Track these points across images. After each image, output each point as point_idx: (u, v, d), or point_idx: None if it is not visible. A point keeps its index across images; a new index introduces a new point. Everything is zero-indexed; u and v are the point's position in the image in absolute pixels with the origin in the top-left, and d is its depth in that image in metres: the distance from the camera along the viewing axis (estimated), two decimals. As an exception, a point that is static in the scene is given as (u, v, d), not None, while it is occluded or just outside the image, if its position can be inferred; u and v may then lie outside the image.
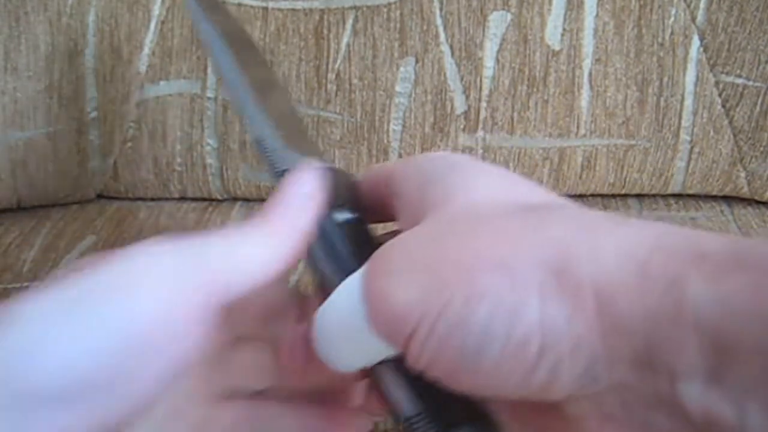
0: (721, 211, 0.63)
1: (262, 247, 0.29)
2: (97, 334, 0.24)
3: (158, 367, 0.25)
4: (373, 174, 0.34)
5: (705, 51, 0.59)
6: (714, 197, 0.64)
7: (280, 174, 0.33)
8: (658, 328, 0.22)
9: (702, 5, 0.59)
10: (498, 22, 0.59)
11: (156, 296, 0.25)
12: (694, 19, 0.59)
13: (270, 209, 0.30)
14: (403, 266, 0.26)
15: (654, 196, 0.64)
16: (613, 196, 0.64)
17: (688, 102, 0.60)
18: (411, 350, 0.25)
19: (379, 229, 0.34)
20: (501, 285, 0.24)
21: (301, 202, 0.31)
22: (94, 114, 0.61)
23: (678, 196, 0.64)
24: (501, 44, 0.59)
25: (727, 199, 0.64)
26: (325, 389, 0.33)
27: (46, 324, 0.23)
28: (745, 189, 0.63)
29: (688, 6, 0.59)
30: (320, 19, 0.59)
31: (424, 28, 0.59)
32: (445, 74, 0.60)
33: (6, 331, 0.23)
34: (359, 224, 0.33)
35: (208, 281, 0.27)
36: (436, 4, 0.59)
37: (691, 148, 0.61)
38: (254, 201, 0.64)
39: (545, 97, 0.60)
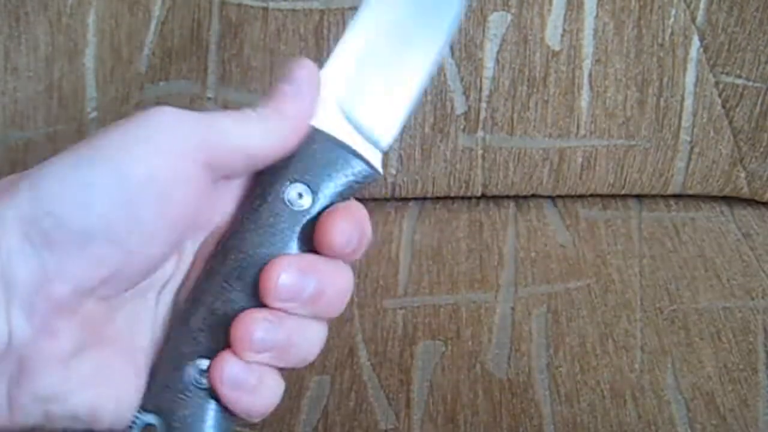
0: (721, 211, 0.63)
1: (266, 124, 0.31)
2: (112, 180, 0.27)
3: (166, 214, 0.29)
4: None
5: (705, 51, 0.59)
6: (714, 197, 0.64)
7: None
8: None
9: (702, 5, 0.59)
10: (498, 22, 0.59)
11: (164, 149, 0.28)
12: (694, 20, 0.59)
13: (277, 91, 0.32)
14: None
15: (654, 196, 0.64)
16: (613, 196, 0.64)
17: (688, 102, 0.60)
18: None
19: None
20: None
21: (305, 88, 0.33)
22: (94, 114, 0.61)
23: (678, 196, 0.64)
24: (501, 45, 0.59)
25: (727, 199, 0.64)
26: None
27: (67, 172, 0.27)
28: (745, 189, 0.63)
29: (688, 6, 0.59)
30: (320, 19, 0.59)
31: (424, 28, 0.59)
32: (445, 74, 0.60)
33: (35, 180, 0.27)
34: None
35: (211, 143, 0.29)
36: (436, 4, 0.59)
37: (691, 148, 0.61)
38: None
39: (545, 98, 0.60)
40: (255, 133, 0.31)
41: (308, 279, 0.30)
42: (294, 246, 0.32)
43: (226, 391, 0.30)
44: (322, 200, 0.32)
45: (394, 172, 0.62)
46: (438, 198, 0.65)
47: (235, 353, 0.30)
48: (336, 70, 0.35)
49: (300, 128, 0.32)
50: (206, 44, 0.60)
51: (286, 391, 0.48)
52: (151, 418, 0.30)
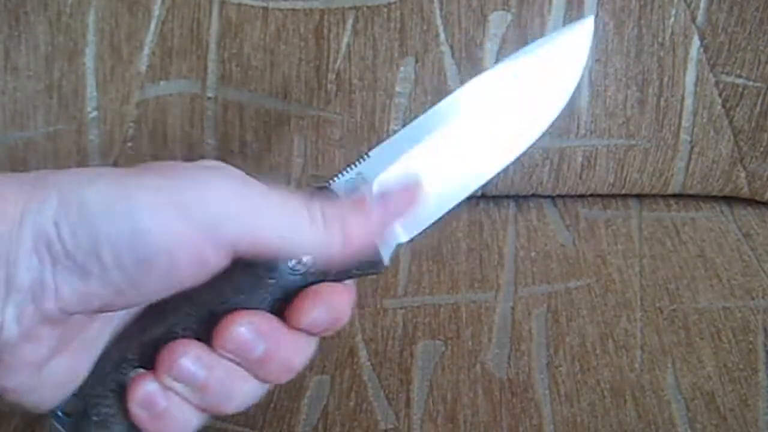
0: (721, 211, 0.63)
1: (318, 235, 0.30)
2: (130, 234, 0.27)
3: (169, 283, 0.29)
4: None
5: (705, 51, 0.59)
6: (714, 197, 0.64)
7: None
8: None
9: (702, 5, 0.59)
10: (498, 22, 0.59)
11: (197, 231, 0.28)
12: (694, 19, 0.59)
13: (359, 199, 0.33)
14: None
15: (654, 196, 0.64)
16: (613, 196, 0.64)
17: (688, 102, 0.60)
18: None
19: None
20: None
21: (390, 213, 0.33)
22: (94, 114, 0.61)
23: (678, 196, 0.64)
24: (501, 44, 0.59)
25: (727, 199, 0.64)
26: None
27: (97, 204, 0.27)
28: (745, 189, 0.63)
29: (688, 6, 0.59)
30: (320, 19, 0.59)
31: (424, 28, 0.59)
32: (445, 74, 0.60)
33: (66, 194, 0.27)
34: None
35: (249, 239, 0.29)
36: (436, 4, 0.59)
37: (691, 148, 0.61)
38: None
39: (545, 97, 0.60)
40: (303, 241, 0.30)
41: (261, 342, 0.30)
42: (267, 303, 0.32)
43: (133, 407, 0.30)
44: (317, 276, 0.32)
45: (394, 171, 0.62)
46: (438, 198, 0.65)
47: (156, 374, 0.30)
48: (388, 156, 0.35)
49: (353, 251, 0.32)
50: (206, 44, 0.60)
51: (286, 391, 0.48)
52: (75, 406, 0.31)
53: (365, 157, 0.35)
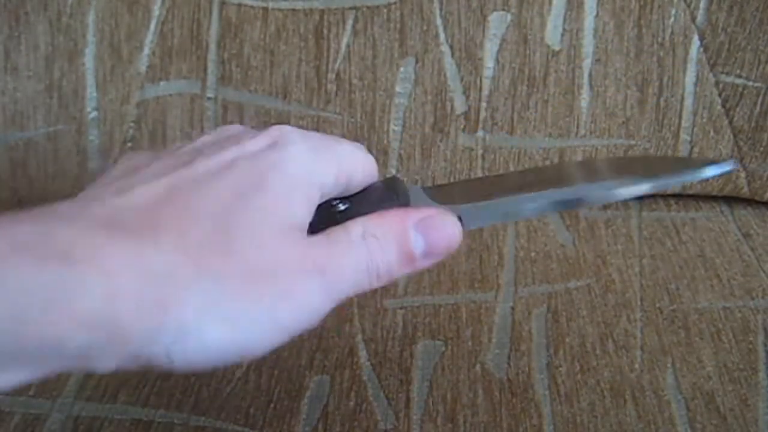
0: (721, 211, 0.63)
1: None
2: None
3: None
4: None
5: (705, 51, 0.59)
6: (714, 197, 0.64)
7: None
8: None
9: (702, 5, 0.59)
10: (498, 22, 0.59)
11: None
12: (694, 19, 0.59)
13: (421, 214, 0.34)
14: None
15: (654, 196, 0.64)
16: (613, 196, 0.64)
17: (688, 102, 0.60)
18: None
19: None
20: None
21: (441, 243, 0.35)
22: (94, 114, 0.61)
23: (678, 196, 0.64)
24: (501, 44, 0.59)
25: (727, 199, 0.64)
26: None
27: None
28: (745, 189, 0.63)
29: (688, 6, 0.59)
30: (320, 19, 0.59)
31: (424, 28, 0.59)
32: (445, 74, 0.60)
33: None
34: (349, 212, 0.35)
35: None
36: (436, 4, 0.59)
37: (691, 148, 0.61)
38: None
39: (545, 97, 0.60)
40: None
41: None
42: None
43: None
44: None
45: (394, 171, 0.62)
46: (438, 198, 0.65)
47: None
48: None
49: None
50: (206, 44, 0.60)
51: (286, 391, 0.48)
52: None
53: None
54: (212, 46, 0.60)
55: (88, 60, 0.60)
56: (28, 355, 0.23)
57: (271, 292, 0.27)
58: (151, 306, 0.25)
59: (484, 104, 0.60)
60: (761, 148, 0.61)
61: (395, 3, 0.59)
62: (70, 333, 0.23)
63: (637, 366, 0.49)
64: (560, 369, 0.49)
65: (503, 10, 0.59)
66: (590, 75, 0.60)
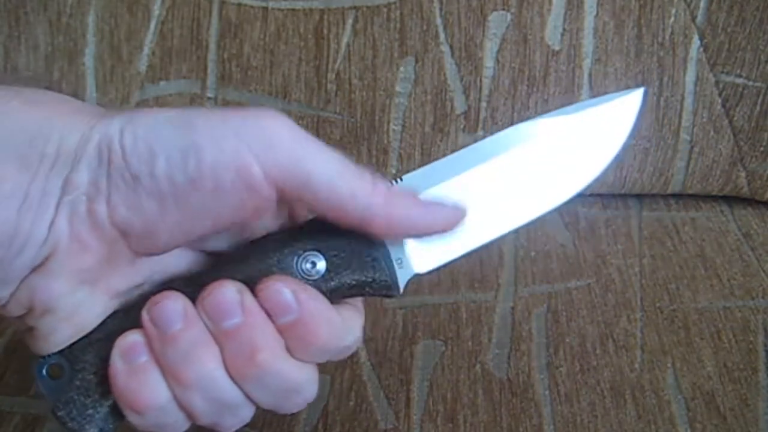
0: (721, 211, 0.63)
1: (360, 196, 0.31)
2: (185, 155, 0.29)
3: (212, 210, 0.30)
4: None
5: (705, 50, 0.59)
6: (714, 197, 0.64)
7: None
8: None
9: (702, 5, 0.59)
10: (498, 22, 0.59)
11: (247, 155, 0.29)
12: (694, 19, 0.59)
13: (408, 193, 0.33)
14: None
15: (654, 196, 0.64)
16: (613, 196, 0.64)
17: (688, 102, 0.60)
18: None
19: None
20: None
21: (428, 218, 0.32)
22: (94, 114, 0.61)
23: (678, 196, 0.64)
24: (501, 44, 0.59)
25: (727, 199, 0.64)
26: None
27: (162, 127, 0.30)
28: (745, 189, 0.63)
29: (688, 6, 0.59)
30: (320, 19, 0.59)
31: (424, 28, 0.59)
32: (445, 74, 0.60)
33: (133, 116, 0.30)
34: None
35: (293, 173, 0.30)
36: (436, 4, 0.59)
37: (691, 148, 0.61)
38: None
39: (545, 97, 0.60)
40: (348, 193, 0.30)
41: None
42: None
43: (114, 357, 0.30)
44: (328, 287, 0.32)
45: (394, 171, 0.62)
46: (438, 198, 0.65)
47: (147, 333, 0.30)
48: (420, 182, 0.34)
49: (391, 224, 0.31)
50: (206, 44, 0.60)
51: (286, 391, 0.48)
52: (57, 358, 0.31)
53: (398, 180, 0.34)
54: (212, 46, 0.60)
55: (88, 60, 0.60)
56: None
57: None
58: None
59: (484, 104, 0.60)
60: (761, 148, 0.61)
61: (395, 3, 0.59)
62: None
63: (637, 366, 0.49)
64: (560, 369, 0.49)
65: (503, 9, 0.59)
66: (590, 75, 0.60)
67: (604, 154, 0.36)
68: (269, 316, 0.30)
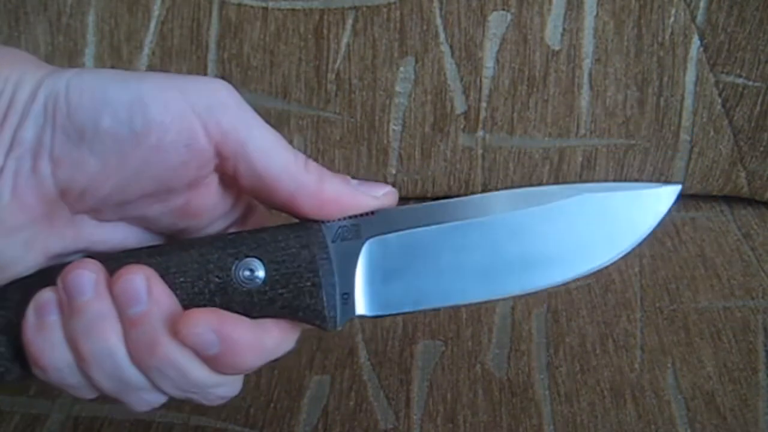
0: (721, 211, 0.63)
1: (296, 173, 0.31)
2: (131, 108, 0.29)
3: (153, 162, 0.30)
4: None
5: (705, 51, 0.59)
6: (714, 197, 0.64)
7: None
8: None
9: (702, 5, 0.59)
10: (498, 22, 0.59)
11: (189, 111, 0.30)
12: (694, 19, 0.59)
13: (341, 177, 0.32)
14: None
15: (654, 196, 0.64)
16: (613, 196, 0.64)
17: (688, 102, 0.60)
18: None
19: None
20: None
21: (362, 197, 0.32)
22: (94, 114, 0.61)
23: (678, 195, 0.64)
24: (501, 44, 0.59)
25: (727, 199, 0.64)
26: None
27: (107, 81, 0.30)
28: (745, 189, 0.63)
29: (688, 6, 0.59)
30: (320, 19, 0.59)
31: (424, 28, 0.59)
32: (445, 74, 0.60)
33: (82, 73, 0.30)
34: None
35: (232, 136, 0.30)
36: (436, 4, 0.59)
37: (691, 148, 0.61)
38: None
39: (545, 97, 0.60)
40: (282, 167, 0.31)
41: (139, 303, 0.30)
42: (199, 301, 0.31)
43: (28, 311, 0.30)
44: (262, 301, 0.31)
45: (394, 171, 0.62)
46: (438, 197, 0.65)
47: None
48: (394, 221, 0.32)
49: (313, 205, 0.31)
50: (206, 44, 0.60)
51: (286, 391, 0.48)
52: None
53: (369, 214, 0.32)
54: (212, 46, 0.60)
55: (88, 60, 0.60)
56: None
57: None
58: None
59: (484, 104, 0.60)
60: (761, 148, 0.61)
61: (395, 3, 0.59)
62: None
63: (637, 366, 0.49)
64: (560, 369, 0.49)
65: (503, 9, 0.59)
66: (590, 75, 0.60)
67: (616, 246, 0.33)
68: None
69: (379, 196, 0.33)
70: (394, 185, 0.63)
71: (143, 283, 0.30)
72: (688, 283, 0.55)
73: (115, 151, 0.29)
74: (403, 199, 0.65)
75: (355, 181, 0.32)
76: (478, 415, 0.46)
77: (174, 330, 0.30)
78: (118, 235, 0.33)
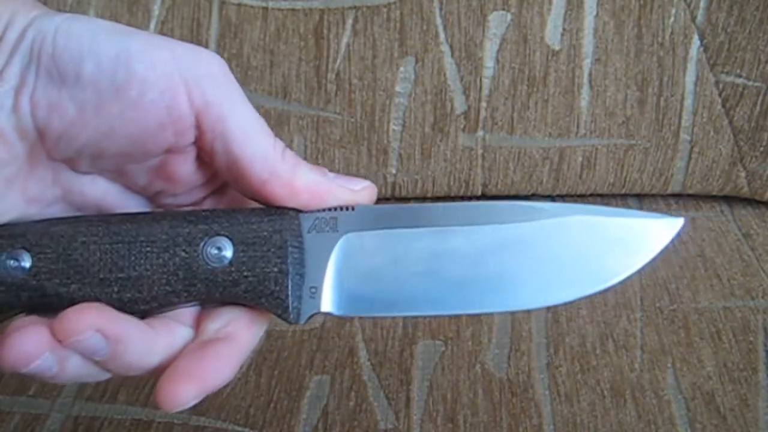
0: (721, 211, 0.63)
1: (267, 147, 0.31)
2: (116, 61, 0.29)
3: (131, 115, 0.29)
4: None
5: (705, 51, 0.59)
6: (714, 197, 0.64)
7: None
8: None
9: (702, 5, 0.59)
10: (498, 22, 0.59)
11: (175, 74, 0.29)
12: (694, 19, 0.59)
13: (315, 167, 0.32)
14: None
15: (654, 195, 0.64)
16: (613, 195, 0.64)
17: (688, 102, 0.60)
18: None
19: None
20: None
21: (337, 190, 0.32)
22: (94, 114, 0.61)
23: (678, 196, 0.64)
24: (501, 44, 0.59)
25: (727, 199, 0.64)
26: None
27: (99, 32, 0.29)
28: (745, 189, 0.63)
29: (688, 6, 0.59)
30: (320, 19, 0.59)
31: (424, 28, 0.59)
32: (445, 74, 0.60)
33: (74, 18, 0.29)
34: None
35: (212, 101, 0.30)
36: (436, 4, 0.59)
37: (691, 148, 0.61)
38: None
39: (545, 97, 0.60)
40: (259, 150, 0.30)
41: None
42: (166, 283, 0.30)
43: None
44: (229, 281, 0.30)
45: (394, 171, 0.62)
46: (438, 197, 0.65)
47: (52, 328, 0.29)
48: (375, 220, 0.31)
49: (285, 193, 0.31)
50: (206, 44, 0.60)
51: (286, 391, 0.48)
52: None
53: (350, 209, 0.32)
54: (212, 46, 0.60)
55: (88, 60, 0.60)
56: None
57: None
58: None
59: (484, 104, 0.60)
60: (761, 148, 0.61)
61: (395, 3, 0.59)
62: None
63: (637, 366, 0.49)
64: (560, 369, 0.49)
65: (503, 9, 0.59)
66: (590, 75, 0.60)
67: (600, 279, 0.31)
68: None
69: (357, 189, 0.32)
70: (394, 185, 0.63)
71: (98, 338, 0.29)
72: (688, 283, 0.55)
73: (94, 101, 0.29)
74: (403, 199, 0.65)
75: (332, 174, 0.32)
76: (478, 415, 0.46)
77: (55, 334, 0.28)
78: (97, 189, 0.33)
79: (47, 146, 0.30)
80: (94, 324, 0.28)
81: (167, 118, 0.29)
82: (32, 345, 0.28)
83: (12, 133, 0.29)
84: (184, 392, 0.28)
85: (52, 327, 0.28)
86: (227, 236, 0.31)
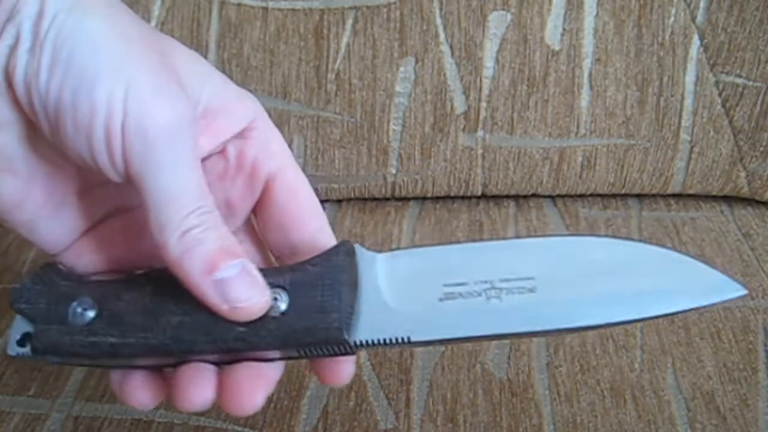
0: (721, 211, 0.63)
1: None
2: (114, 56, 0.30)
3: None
4: None
5: (705, 51, 0.59)
6: (714, 197, 0.64)
7: None
8: None
9: (702, 5, 0.59)
10: (498, 22, 0.59)
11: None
12: (694, 19, 0.59)
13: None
14: None
15: (654, 196, 0.64)
16: (613, 196, 0.64)
17: (688, 102, 0.60)
18: None
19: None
20: None
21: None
22: (94, 114, 0.61)
23: (678, 196, 0.64)
24: (501, 44, 0.59)
25: (727, 199, 0.64)
26: None
27: (102, 25, 0.30)
28: (745, 189, 0.63)
29: (688, 6, 0.59)
30: (320, 19, 0.59)
31: (424, 28, 0.59)
32: (445, 74, 0.60)
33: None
34: None
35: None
36: (436, 4, 0.59)
37: (691, 148, 0.61)
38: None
39: (545, 97, 0.60)
40: (162, 214, 0.30)
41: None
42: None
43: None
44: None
45: (394, 171, 0.62)
46: (438, 198, 0.65)
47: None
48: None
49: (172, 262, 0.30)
50: (206, 44, 0.60)
51: (286, 391, 0.48)
52: (28, 327, 0.32)
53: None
54: (212, 46, 0.60)
55: (88, 60, 0.60)
56: None
57: None
58: None
59: (484, 104, 0.60)
60: (761, 148, 0.61)
61: (395, 3, 0.59)
62: None
63: (637, 366, 0.49)
64: (560, 369, 0.49)
65: (503, 9, 0.59)
66: (590, 75, 0.60)
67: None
68: None
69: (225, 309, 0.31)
70: (394, 185, 0.63)
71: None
72: (688, 283, 0.55)
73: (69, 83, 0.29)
74: (403, 199, 0.65)
75: (219, 275, 0.30)
76: (478, 415, 0.46)
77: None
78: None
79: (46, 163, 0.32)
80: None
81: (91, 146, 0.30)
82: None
83: (6, 116, 0.30)
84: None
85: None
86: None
